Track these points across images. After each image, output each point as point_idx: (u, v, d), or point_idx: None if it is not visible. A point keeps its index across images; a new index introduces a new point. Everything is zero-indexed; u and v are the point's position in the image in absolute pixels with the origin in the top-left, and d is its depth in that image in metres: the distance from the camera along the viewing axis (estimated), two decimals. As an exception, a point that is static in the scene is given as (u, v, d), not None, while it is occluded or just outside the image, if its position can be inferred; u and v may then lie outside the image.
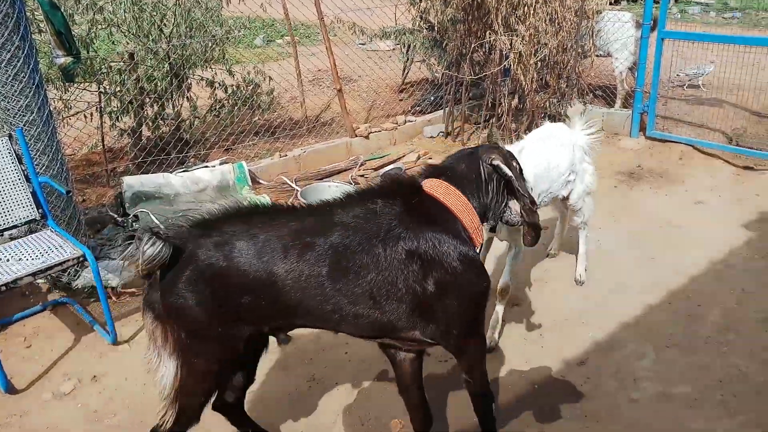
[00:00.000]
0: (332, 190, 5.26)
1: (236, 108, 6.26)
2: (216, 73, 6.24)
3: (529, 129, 6.53)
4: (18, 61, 3.77)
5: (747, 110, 6.79)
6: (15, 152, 3.73)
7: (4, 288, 3.28)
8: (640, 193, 5.58)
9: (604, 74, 7.87)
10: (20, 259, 3.54)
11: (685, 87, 7.81)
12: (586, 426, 3.01)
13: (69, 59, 4.42)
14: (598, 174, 5.78)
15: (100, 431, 3.11)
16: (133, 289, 4.22)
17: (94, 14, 5.54)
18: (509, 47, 5.90)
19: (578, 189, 3.90)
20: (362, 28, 7.19)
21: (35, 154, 3.95)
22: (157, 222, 4.77)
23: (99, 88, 5.55)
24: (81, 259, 3.56)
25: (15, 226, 3.77)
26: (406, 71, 8.30)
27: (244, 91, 6.31)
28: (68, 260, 3.54)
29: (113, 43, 6.39)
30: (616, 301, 3.99)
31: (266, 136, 6.55)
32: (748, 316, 3.77)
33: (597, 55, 6.89)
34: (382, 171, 5.35)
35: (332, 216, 2.28)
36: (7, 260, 3.51)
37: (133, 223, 4.79)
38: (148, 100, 5.81)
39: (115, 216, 4.97)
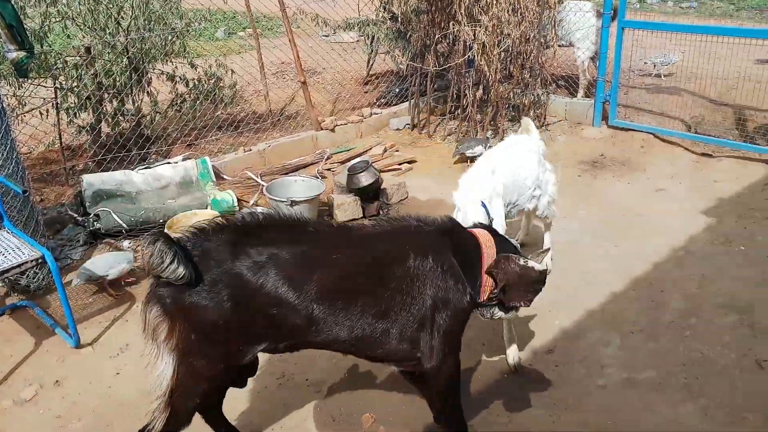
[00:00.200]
0: (298, 184, 5.21)
1: (198, 102, 6.15)
2: (177, 67, 6.12)
3: (493, 120, 6.58)
4: (-33, 57, 3.63)
5: (705, 98, 6.93)
6: (-34, 152, 3.61)
7: (-42, 293, 3.17)
8: (603, 182, 5.66)
9: (567, 64, 7.95)
10: (-25, 262, 3.42)
11: (653, 76, 7.89)
12: (555, 413, 3.04)
13: (22, 54, 4.27)
14: (562, 163, 5.91)
15: (65, 437, 3.04)
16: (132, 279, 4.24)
17: (47, 7, 5.37)
18: (473, 38, 5.92)
19: (543, 201, 3.96)
20: (325, 20, 7.13)
21: (-12, 154, 3.82)
22: (120, 221, 4.66)
23: (55, 84, 5.39)
24: (40, 260, 3.46)
25: (-32, 229, 3.65)
26: (370, 63, 8.26)
27: (206, 85, 6.21)
28: (26, 262, 3.44)
29: (68, 36, 6.21)
30: (583, 290, 4.04)
31: (230, 130, 6.45)
32: (709, 301, 3.87)
33: (559, 45, 6.94)
34: (349, 164, 5.32)
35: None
36: (-39, 264, 3.40)
37: (94, 223, 4.67)
38: (106, 95, 5.67)
39: (75, 215, 4.84)
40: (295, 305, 2.24)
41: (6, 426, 3.10)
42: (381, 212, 5.18)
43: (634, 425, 2.97)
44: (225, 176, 5.72)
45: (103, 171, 5.25)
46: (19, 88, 5.40)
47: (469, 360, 3.42)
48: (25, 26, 4.38)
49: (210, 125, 6.28)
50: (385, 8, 7.06)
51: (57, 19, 5.53)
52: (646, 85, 7.73)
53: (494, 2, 5.82)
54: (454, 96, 6.86)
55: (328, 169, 6.00)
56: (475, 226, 2.72)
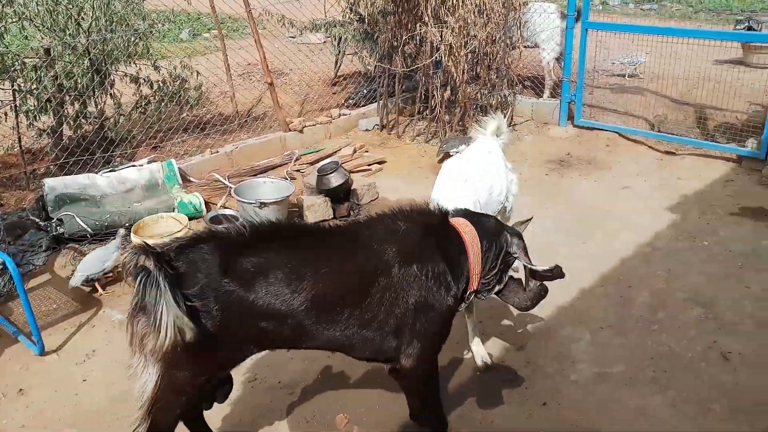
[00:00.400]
0: (267, 186, 5.16)
1: (163, 104, 6.05)
2: (140, 69, 6.01)
3: (461, 120, 6.61)
4: None
5: (667, 98, 7.09)
6: None
7: None
8: (570, 181, 5.74)
9: (533, 65, 8.05)
10: (-68, 270, 3.30)
11: (627, 76, 7.98)
12: (528, 409, 3.07)
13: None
14: (530, 163, 5.97)
15: (30, 448, 2.95)
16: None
17: (2, 7, 5.21)
18: (440, 39, 5.94)
19: (510, 202, 3.89)
20: (292, 21, 7.07)
21: (-56, 157, 3.69)
22: (84, 225, 4.55)
23: (13, 86, 5.23)
24: (1, 267, 3.36)
25: (-76, 235, 3.52)
26: (338, 64, 8.24)
27: (170, 87, 6.11)
28: (-14, 269, 3.33)
29: (26, 38, 6.04)
30: (552, 287, 4.06)
31: (196, 132, 6.36)
32: (675, 295, 3.95)
33: (525, 46, 7.03)
34: (318, 165, 5.29)
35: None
36: None
37: (57, 227, 4.55)
38: (68, 97, 5.52)
39: (37, 220, 4.71)
40: (284, 316, 2.25)
41: (-33, 438, 3.00)
42: (352, 213, 5.16)
43: (606, 419, 3.00)
44: (192, 179, 5.63)
45: (65, 175, 5.12)
46: (-25, 91, 5.25)
47: (443, 358, 3.42)
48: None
49: (176, 127, 6.18)
50: (351, 9, 7.05)
51: (14, 20, 5.37)
52: (610, 85, 7.87)
53: (460, 4, 5.86)
54: (423, 97, 6.88)
55: (298, 171, 5.96)
56: (455, 214, 2.74)
